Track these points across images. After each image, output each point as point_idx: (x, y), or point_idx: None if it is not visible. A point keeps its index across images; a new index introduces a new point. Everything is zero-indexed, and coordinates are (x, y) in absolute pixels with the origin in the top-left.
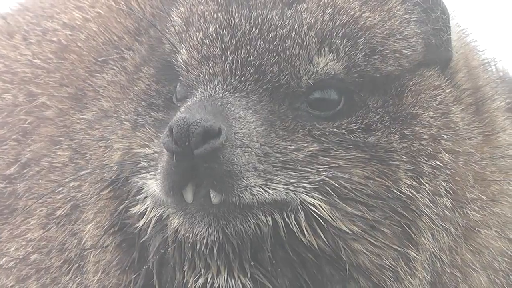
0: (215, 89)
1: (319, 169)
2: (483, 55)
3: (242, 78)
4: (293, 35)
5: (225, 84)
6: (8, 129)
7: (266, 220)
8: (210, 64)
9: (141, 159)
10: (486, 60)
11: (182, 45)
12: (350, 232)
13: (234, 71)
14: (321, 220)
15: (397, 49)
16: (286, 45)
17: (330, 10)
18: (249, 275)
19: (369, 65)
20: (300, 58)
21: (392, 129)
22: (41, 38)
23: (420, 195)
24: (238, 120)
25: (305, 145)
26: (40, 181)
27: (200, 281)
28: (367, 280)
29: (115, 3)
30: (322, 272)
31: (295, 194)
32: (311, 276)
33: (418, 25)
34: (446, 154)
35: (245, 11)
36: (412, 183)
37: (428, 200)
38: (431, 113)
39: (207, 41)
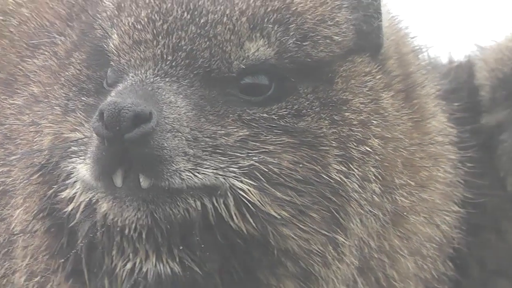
0: (146, 74)
1: (249, 154)
2: (414, 42)
3: (173, 63)
4: (224, 20)
5: (156, 69)
6: None
7: (195, 204)
8: (141, 49)
9: (71, 144)
10: (417, 46)
11: (114, 30)
12: (279, 217)
13: (165, 56)
14: (250, 205)
15: (328, 35)
16: (218, 30)
17: None
18: (177, 260)
19: (300, 51)
20: (231, 44)
21: (322, 115)
22: None
23: (349, 180)
24: (168, 105)
25: (235, 130)
26: None
27: (129, 265)
28: (295, 264)
29: None
30: (251, 257)
31: (224, 178)
32: (240, 260)
33: (349, 11)
34: (376, 140)
35: None
36: (341, 168)
37: (357, 186)
38: (361, 99)
39: (139, 26)
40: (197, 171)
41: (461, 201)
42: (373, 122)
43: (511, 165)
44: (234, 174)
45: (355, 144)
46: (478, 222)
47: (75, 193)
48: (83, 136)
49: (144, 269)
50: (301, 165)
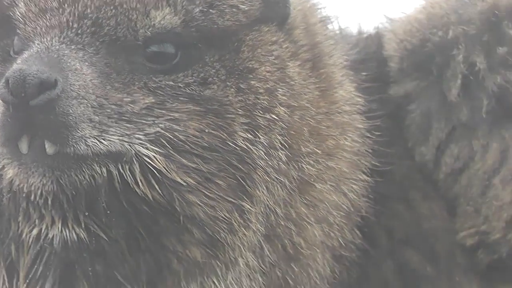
0: (52, 41)
1: (155, 122)
2: (322, 12)
3: (79, 31)
4: None
5: (62, 36)
6: None
7: (101, 171)
8: (47, 17)
9: None
10: (325, 17)
11: None
12: (184, 184)
13: (71, 23)
14: (156, 172)
15: (235, 4)
16: None
17: None
18: (83, 226)
19: (207, 19)
20: (137, 12)
21: (228, 83)
22: None
23: (255, 148)
24: (74, 72)
25: (141, 97)
26: None
27: (35, 231)
28: (201, 231)
29: None
30: (157, 224)
31: (130, 145)
32: (146, 227)
33: None
34: (282, 108)
35: None
36: (247, 136)
37: (263, 153)
38: (267, 67)
39: None
40: (103, 137)
41: (369, 170)
42: (279, 91)
43: (419, 135)
44: (140, 141)
45: (261, 112)
46: (386, 191)
47: None
48: None
49: (50, 235)
50: (207, 133)
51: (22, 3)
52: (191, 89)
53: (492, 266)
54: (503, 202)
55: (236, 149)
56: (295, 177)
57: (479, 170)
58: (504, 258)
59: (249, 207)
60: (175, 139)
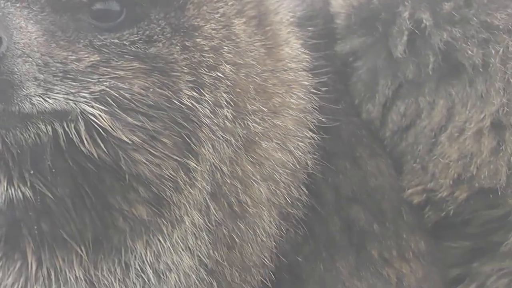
0: None
1: (100, 80)
2: None
3: None
4: None
5: None
6: None
7: (46, 129)
8: None
9: None
10: None
11: None
12: (130, 142)
13: None
14: (101, 130)
15: None
16: None
17: None
18: (29, 184)
19: None
20: None
21: (174, 41)
22: None
23: (201, 105)
24: (19, 30)
25: (86, 55)
26: None
27: None
28: (147, 190)
29: None
30: (103, 182)
31: (75, 104)
32: (92, 185)
33: None
34: (227, 66)
35: None
36: (193, 94)
37: (208, 111)
38: (213, 25)
39: None
40: (48, 96)
41: (315, 127)
42: (224, 48)
43: (365, 92)
44: (85, 100)
45: (206, 70)
46: (333, 148)
47: None
48: None
49: None
50: (152, 91)
51: None
52: (136, 47)
53: (439, 223)
54: (450, 160)
55: (182, 107)
56: (241, 135)
57: (425, 128)
58: (451, 216)
59: (195, 165)
60: (120, 97)
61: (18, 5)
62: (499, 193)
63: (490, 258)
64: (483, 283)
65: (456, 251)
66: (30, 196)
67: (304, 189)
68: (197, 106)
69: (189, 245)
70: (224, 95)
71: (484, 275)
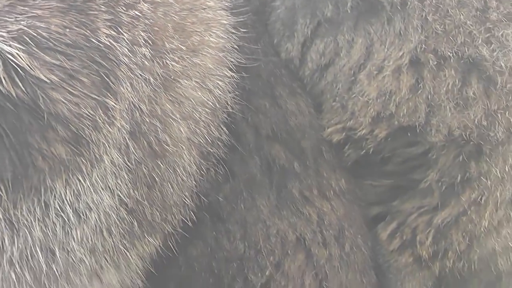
0: None
1: (17, 19)
2: None
3: None
4: None
5: None
6: None
7: None
8: None
9: None
10: None
11: None
12: (48, 81)
13: None
14: (19, 69)
15: None
16: None
17: None
18: None
19: None
20: None
21: None
22: None
23: (119, 44)
24: None
25: None
26: None
27: None
28: (65, 128)
29: None
30: (21, 122)
31: None
32: (10, 125)
33: None
34: (145, 4)
35: None
36: (111, 32)
37: (126, 50)
38: None
39: None
40: None
41: (235, 67)
42: None
43: (284, 31)
44: (3, 39)
45: (124, 8)
46: (253, 88)
47: None
48: None
49: None
50: (69, 30)
51: None
52: None
53: (359, 162)
54: (369, 98)
55: (100, 45)
56: (159, 74)
57: (344, 66)
58: (371, 154)
59: (113, 104)
60: (38, 36)
61: None
62: (418, 131)
63: (410, 196)
64: (404, 221)
65: (377, 190)
66: None
67: (224, 129)
68: (115, 45)
69: (109, 184)
70: (142, 33)
71: (404, 213)
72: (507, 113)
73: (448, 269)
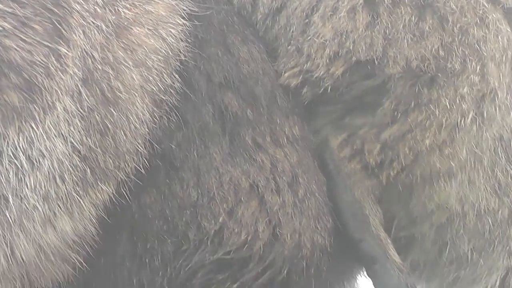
0: None
1: None
2: None
3: None
4: None
5: None
6: None
7: None
8: None
9: None
10: None
11: None
12: (1, 28)
13: None
14: None
15: None
16: None
17: None
18: None
19: None
20: None
21: None
22: None
23: None
24: None
25: None
26: None
27: None
28: (18, 76)
29: None
30: None
31: None
32: None
33: None
34: None
35: None
36: None
37: None
38: None
39: None
40: None
41: (187, 15)
42: None
43: None
44: None
45: None
46: (205, 36)
47: None
48: None
49: None
50: None
51: None
52: None
53: (315, 101)
54: (325, 39)
55: None
56: (111, 21)
57: (297, 9)
58: (328, 93)
59: (66, 51)
60: None
61: None
62: (376, 63)
63: (363, 114)
64: (355, 132)
65: (331, 115)
66: None
67: (177, 76)
68: None
69: (62, 131)
70: None
71: (355, 126)
72: (461, 47)
73: (392, 178)
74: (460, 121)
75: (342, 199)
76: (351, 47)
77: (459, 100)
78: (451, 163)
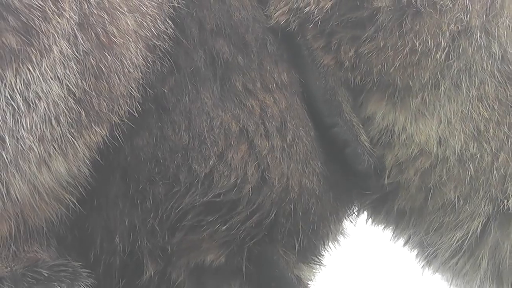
0: None
1: None
2: None
3: None
4: None
5: None
6: None
7: None
8: None
9: None
10: None
11: None
12: None
13: None
14: None
15: None
16: None
17: None
18: None
19: None
20: None
21: None
22: None
23: None
24: None
25: None
26: None
27: None
28: (16, 19)
29: None
30: None
31: None
32: None
33: None
34: None
35: None
36: None
37: None
38: None
39: None
40: None
41: None
42: None
43: None
44: None
45: None
46: None
47: None
48: None
49: None
50: None
51: None
52: None
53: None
54: None
55: None
56: None
57: None
58: (318, 25)
59: None
60: None
61: None
62: None
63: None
64: (333, 32)
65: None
66: None
67: (170, 22)
68: None
69: (58, 74)
70: None
71: (336, 31)
72: None
73: (360, 81)
74: (433, 51)
75: (316, 86)
76: None
77: (439, 36)
78: (410, 82)
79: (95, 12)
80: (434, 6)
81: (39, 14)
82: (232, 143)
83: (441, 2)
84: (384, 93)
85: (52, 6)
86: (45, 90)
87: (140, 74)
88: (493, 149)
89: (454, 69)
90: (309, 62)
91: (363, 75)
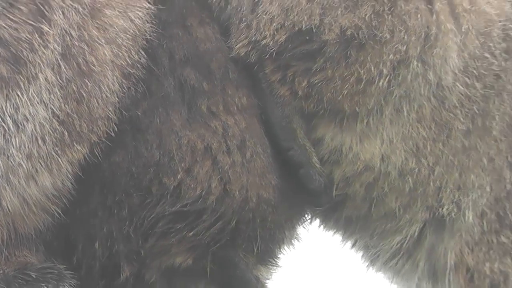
0: None
1: None
2: None
3: None
4: None
5: None
6: None
7: None
8: None
9: None
10: None
11: None
12: None
13: None
14: None
15: None
16: None
17: None
18: None
19: None
20: None
21: None
22: None
23: None
24: None
25: None
26: None
27: None
28: (6, 50)
29: None
30: None
31: None
32: None
33: None
34: None
35: None
36: None
37: None
38: None
39: None
40: None
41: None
42: None
43: None
44: None
45: None
46: (167, 18)
47: None
48: None
49: None
50: None
51: None
52: None
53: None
54: (272, 15)
55: None
56: (87, 4)
57: None
58: (273, 56)
59: (48, 29)
60: None
61: None
62: (314, 31)
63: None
64: (287, 65)
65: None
66: None
67: (143, 53)
68: None
69: (44, 99)
70: None
71: (290, 63)
72: (391, 16)
73: (313, 108)
74: (376, 78)
75: (273, 114)
76: (294, 19)
77: (381, 65)
78: (357, 109)
79: (76, 44)
80: (375, 38)
81: (27, 46)
82: (198, 159)
83: (380, 35)
84: (334, 119)
85: (38, 38)
86: (32, 113)
87: (117, 98)
88: (430, 164)
89: (396, 95)
90: (268, 93)
91: (315, 103)
